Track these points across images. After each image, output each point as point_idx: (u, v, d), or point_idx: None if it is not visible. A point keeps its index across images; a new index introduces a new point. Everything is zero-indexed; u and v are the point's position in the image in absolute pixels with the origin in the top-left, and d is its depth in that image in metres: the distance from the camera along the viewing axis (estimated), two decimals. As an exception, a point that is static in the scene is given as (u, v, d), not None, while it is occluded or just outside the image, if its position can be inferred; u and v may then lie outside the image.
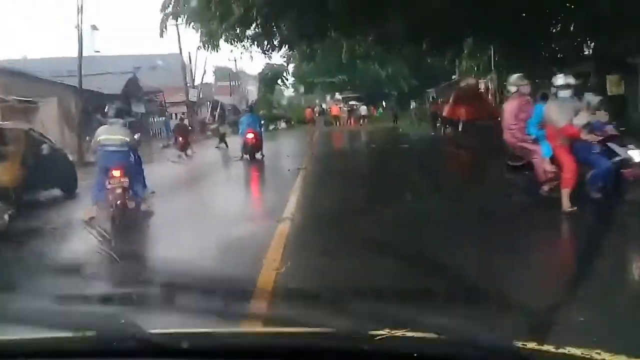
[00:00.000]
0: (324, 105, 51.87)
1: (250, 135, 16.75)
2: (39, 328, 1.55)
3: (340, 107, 45.34)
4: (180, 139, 21.52)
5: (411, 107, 42.73)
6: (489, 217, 6.98)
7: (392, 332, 1.33)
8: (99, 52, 37.10)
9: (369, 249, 5.65)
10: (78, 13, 22.77)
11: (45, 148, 11.04)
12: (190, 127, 24.03)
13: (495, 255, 5.13)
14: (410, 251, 5.40)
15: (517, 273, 4.63)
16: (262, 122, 20.64)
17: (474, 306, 3.40)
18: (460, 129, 23.45)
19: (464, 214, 7.30)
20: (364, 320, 1.64)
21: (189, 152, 21.55)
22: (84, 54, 23.20)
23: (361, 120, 40.56)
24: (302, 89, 56.16)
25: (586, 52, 19.96)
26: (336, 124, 42.44)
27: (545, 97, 7.61)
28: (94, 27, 36.73)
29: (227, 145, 22.52)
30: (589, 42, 19.29)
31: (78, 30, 23.02)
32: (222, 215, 8.49)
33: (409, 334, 1.33)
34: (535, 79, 23.83)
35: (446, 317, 1.68)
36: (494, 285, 4.15)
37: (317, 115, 44.32)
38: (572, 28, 19.12)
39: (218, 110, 38.90)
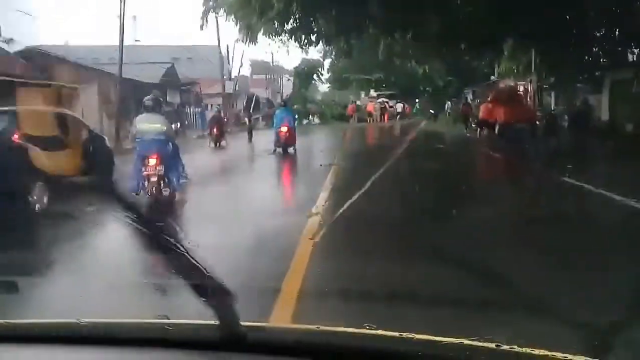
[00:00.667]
0: (358, 102, 51.78)
1: (283, 129, 16.86)
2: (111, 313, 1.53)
3: (374, 105, 45.23)
4: (215, 130, 21.80)
5: (446, 106, 42.35)
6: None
7: (444, 338, 1.29)
8: (139, 41, 37.75)
9: (410, 254, 5.57)
10: (121, 2, 23.25)
11: (84, 134, 11.36)
12: (225, 119, 24.28)
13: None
14: (469, 258, 5.11)
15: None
16: (296, 116, 20.76)
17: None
18: (496, 131, 23.12)
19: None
20: (421, 324, 1.60)
21: (223, 143, 21.81)
22: (124, 43, 23.65)
23: (397, 118, 40.44)
24: (337, 85, 56.10)
25: (630, 59, 19.50)
26: (370, 121, 42.38)
27: None
28: (135, 17, 37.36)
29: (250, 139, 23.19)
30: (633, 48, 18.82)
31: (120, 19, 23.50)
32: (252, 208, 8.60)
33: (466, 341, 1.28)
34: (576, 82, 23.48)
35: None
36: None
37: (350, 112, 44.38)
38: (616, 33, 18.68)
39: (253, 103, 39.18)
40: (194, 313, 1.39)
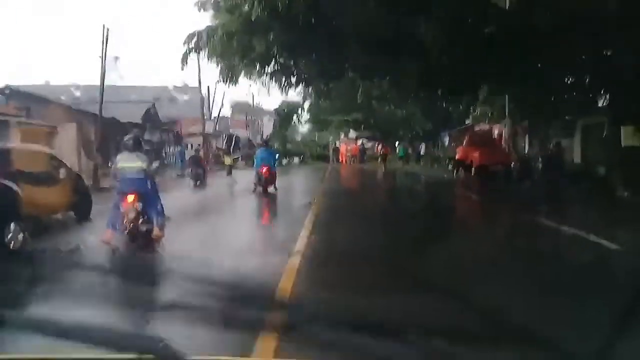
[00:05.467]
0: (337, 143, 52.20)
1: (264, 169, 16.89)
2: (77, 346, 1.55)
3: (346, 147, 45.64)
4: (194, 169, 21.80)
5: (420, 148, 42.89)
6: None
7: None
8: (120, 80, 37.90)
9: (388, 288, 5.60)
10: (102, 43, 23.39)
11: (63, 172, 11.24)
12: (204, 159, 24.21)
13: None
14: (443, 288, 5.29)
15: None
16: (277, 156, 20.79)
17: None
18: (473, 173, 23.49)
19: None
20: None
21: (202, 182, 21.76)
22: (105, 83, 23.69)
23: (379, 160, 40.64)
24: (316, 126, 56.53)
25: (599, 104, 20.09)
26: (353, 161, 42.71)
27: None
28: (117, 58, 37.55)
29: (230, 173, 23.33)
30: (603, 93, 19.42)
31: (101, 60, 23.59)
32: (231, 247, 8.52)
33: None
34: (549, 126, 24.05)
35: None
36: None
37: (330, 152, 44.75)
38: (586, 79, 19.28)
39: (233, 142, 39.32)
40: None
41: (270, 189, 17.05)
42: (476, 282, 5.94)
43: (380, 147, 41.23)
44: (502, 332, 4.15)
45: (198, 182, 21.64)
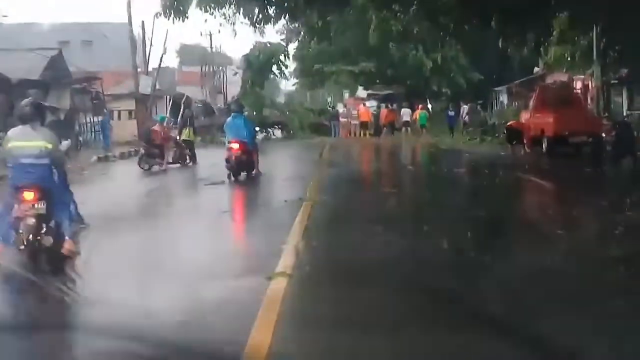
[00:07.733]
0: (339, 107, 51.90)
1: (235, 146, 16.79)
2: None
3: (355, 111, 45.18)
4: (147, 149, 21.95)
5: (461, 111, 42.38)
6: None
7: None
8: (6, 16, 37.70)
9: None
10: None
11: None
12: (163, 134, 24.01)
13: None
14: None
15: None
16: (254, 127, 20.62)
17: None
18: (544, 149, 23.48)
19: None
20: None
21: (156, 167, 21.80)
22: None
23: (404, 129, 40.49)
24: (307, 81, 56.24)
25: None
26: (364, 134, 42.47)
27: None
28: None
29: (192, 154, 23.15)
30: None
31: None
32: (184, 268, 8.44)
33: None
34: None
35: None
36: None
37: (329, 121, 44.56)
38: None
39: (183, 107, 39.18)
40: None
41: (249, 176, 17.06)
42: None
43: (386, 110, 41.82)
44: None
45: (149, 166, 21.76)
